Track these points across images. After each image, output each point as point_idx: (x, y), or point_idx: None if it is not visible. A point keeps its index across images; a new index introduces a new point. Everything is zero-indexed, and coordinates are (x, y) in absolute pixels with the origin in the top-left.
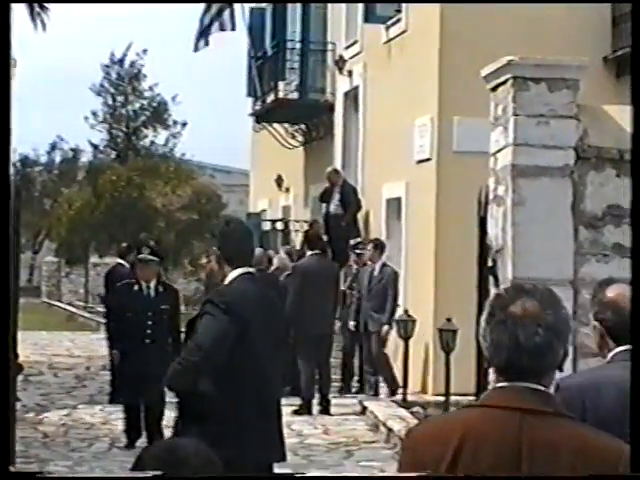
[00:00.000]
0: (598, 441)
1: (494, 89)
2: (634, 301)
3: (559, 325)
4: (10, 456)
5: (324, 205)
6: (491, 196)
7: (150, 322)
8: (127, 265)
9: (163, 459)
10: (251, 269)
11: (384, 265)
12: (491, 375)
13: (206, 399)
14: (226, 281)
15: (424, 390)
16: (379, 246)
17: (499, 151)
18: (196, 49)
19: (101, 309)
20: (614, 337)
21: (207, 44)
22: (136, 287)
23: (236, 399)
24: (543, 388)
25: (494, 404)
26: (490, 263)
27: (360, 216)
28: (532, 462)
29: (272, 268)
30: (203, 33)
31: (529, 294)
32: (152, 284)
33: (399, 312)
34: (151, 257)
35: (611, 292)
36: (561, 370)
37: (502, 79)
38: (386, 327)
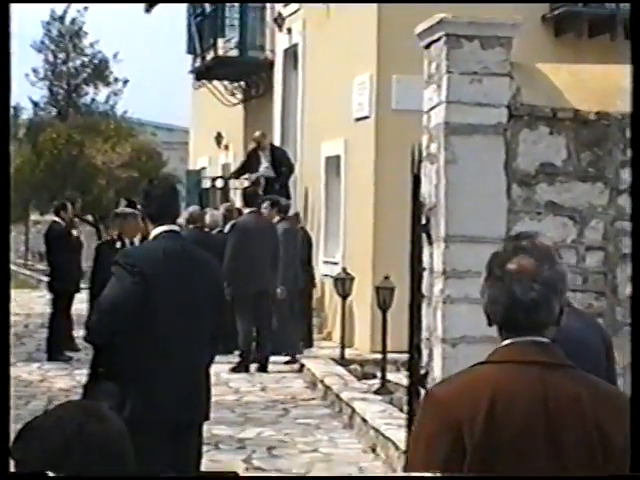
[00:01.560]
0: (608, 388)
1: (427, 47)
2: (634, 299)
3: (555, 280)
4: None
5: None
6: (424, 154)
7: None
8: (62, 223)
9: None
10: (174, 227)
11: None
12: (424, 333)
13: (117, 357)
14: (150, 238)
15: (361, 348)
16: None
17: (432, 109)
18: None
19: (42, 267)
20: None
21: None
22: (119, 244)
23: (146, 358)
24: (548, 341)
25: (514, 359)
26: (423, 220)
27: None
28: (559, 414)
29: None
30: None
31: (527, 251)
32: (136, 240)
33: (337, 270)
34: (130, 210)
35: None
36: (559, 325)
37: (435, 37)
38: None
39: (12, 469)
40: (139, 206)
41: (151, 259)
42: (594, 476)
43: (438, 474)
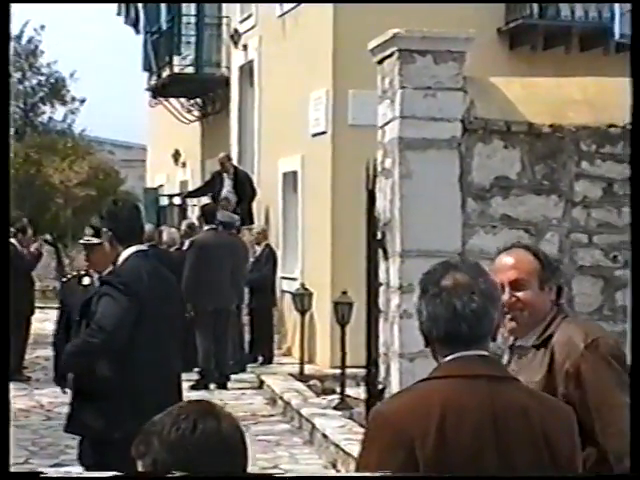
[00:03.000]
0: (552, 400)
1: (380, 62)
2: (633, 300)
3: (492, 291)
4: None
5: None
6: (379, 169)
7: None
8: (17, 245)
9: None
10: (143, 246)
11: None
12: (382, 348)
13: (103, 380)
14: (119, 260)
15: (321, 363)
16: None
17: (387, 124)
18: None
19: None
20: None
21: None
22: (86, 280)
23: (134, 379)
24: (490, 354)
25: (460, 374)
26: (379, 236)
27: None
28: (508, 427)
29: (162, 243)
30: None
31: (457, 268)
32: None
33: (296, 285)
34: (97, 240)
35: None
36: (494, 340)
37: (388, 52)
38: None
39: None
40: (104, 229)
41: (138, 279)
42: (583, 476)
43: None
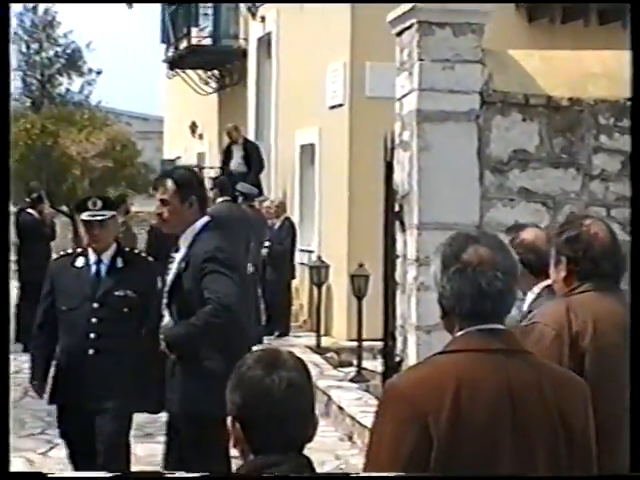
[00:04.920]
0: (565, 373)
1: (399, 34)
2: (633, 299)
3: (513, 268)
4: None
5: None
6: (397, 141)
7: (95, 319)
8: (35, 214)
9: (265, 360)
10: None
11: None
12: (399, 320)
13: (208, 359)
14: (192, 230)
15: (338, 336)
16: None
17: (405, 96)
18: (130, 5)
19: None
20: (535, 274)
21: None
22: (80, 261)
23: (236, 353)
24: (505, 327)
25: (477, 347)
26: (397, 208)
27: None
28: (522, 401)
29: None
30: None
31: (477, 240)
32: (107, 255)
33: (312, 258)
34: (102, 213)
35: (528, 234)
36: (508, 313)
37: (407, 24)
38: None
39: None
40: (193, 196)
41: (233, 252)
42: (592, 476)
43: (401, 474)
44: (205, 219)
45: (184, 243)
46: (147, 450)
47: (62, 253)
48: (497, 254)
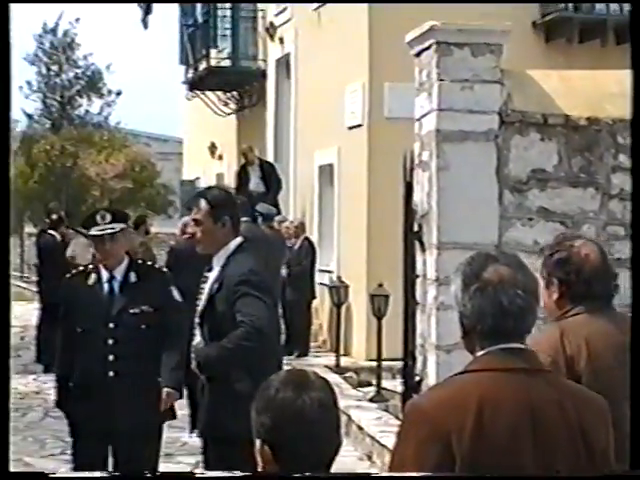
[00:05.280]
0: (586, 393)
1: (418, 55)
2: (634, 299)
3: (533, 286)
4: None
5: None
6: (416, 161)
7: (112, 340)
8: (56, 235)
9: (294, 381)
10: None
11: None
12: (418, 340)
13: (237, 381)
14: (226, 251)
15: (357, 356)
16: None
17: (424, 116)
18: (146, 26)
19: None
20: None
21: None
22: (92, 279)
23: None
24: (526, 347)
25: (498, 367)
26: (416, 228)
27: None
28: (544, 420)
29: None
30: (148, 10)
31: (497, 260)
32: (119, 270)
33: (331, 278)
34: (111, 226)
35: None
36: (529, 332)
37: (426, 44)
38: None
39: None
40: (225, 216)
41: (264, 273)
42: (593, 476)
43: None
44: (239, 240)
45: (217, 263)
46: (166, 469)
47: (74, 271)
48: (517, 273)
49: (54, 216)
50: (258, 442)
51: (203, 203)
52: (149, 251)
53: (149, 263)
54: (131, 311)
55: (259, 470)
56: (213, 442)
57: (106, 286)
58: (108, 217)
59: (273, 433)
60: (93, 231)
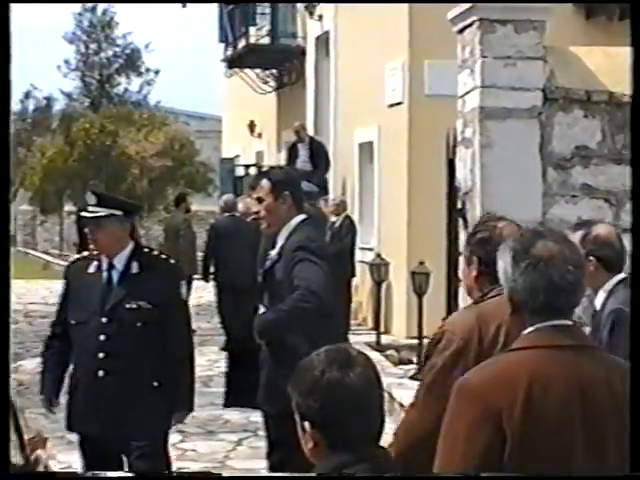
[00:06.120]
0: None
1: (461, 31)
2: (633, 299)
3: (581, 262)
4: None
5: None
6: (459, 138)
7: (104, 336)
8: None
9: (338, 360)
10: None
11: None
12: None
13: (294, 348)
14: (289, 226)
15: (397, 333)
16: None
17: (467, 94)
18: (184, 4)
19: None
20: (610, 269)
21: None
22: (92, 267)
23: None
24: (573, 323)
25: (547, 344)
26: (459, 205)
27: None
28: (593, 396)
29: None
30: None
31: (544, 235)
32: (120, 259)
33: (371, 256)
34: (95, 210)
35: (602, 230)
36: (576, 306)
37: (468, 21)
38: None
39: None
40: (285, 192)
41: (320, 242)
42: (591, 476)
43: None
44: (301, 217)
45: (280, 239)
46: (208, 448)
47: (78, 257)
48: (565, 248)
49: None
50: (307, 424)
51: (264, 181)
52: (190, 229)
53: (156, 252)
54: (127, 306)
55: (309, 450)
56: (276, 416)
57: (104, 275)
58: (93, 199)
59: (323, 414)
60: (83, 213)
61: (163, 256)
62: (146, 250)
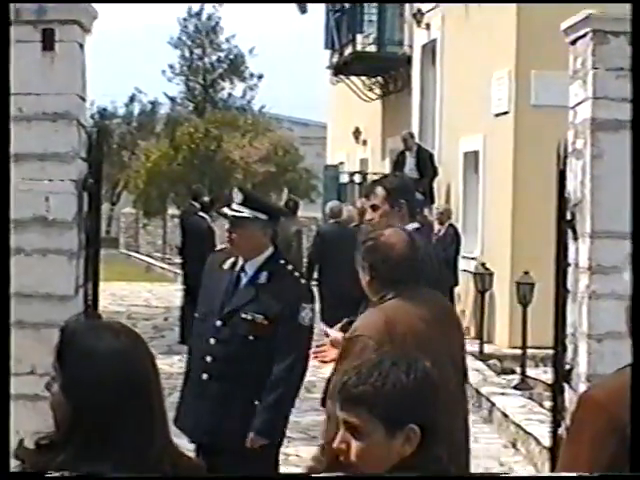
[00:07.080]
0: None
1: (573, 43)
2: (634, 298)
3: None
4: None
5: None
6: (570, 149)
7: (214, 340)
8: (208, 218)
9: (402, 360)
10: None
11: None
12: (569, 328)
13: None
14: None
15: (500, 343)
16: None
17: (578, 104)
18: (303, 11)
19: (178, 260)
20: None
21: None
22: (228, 263)
23: None
24: None
25: None
26: (569, 216)
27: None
28: None
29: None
30: None
31: None
32: (252, 265)
33: (474, 265)
34: (239, 210)
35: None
36: None
37: (581, 32)
38: None
39: None
40: (401, 200)
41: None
42: (590, 476)
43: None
44: (415, 225)
45: None
46: (311, 453)
47: (221, 247)
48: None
49: (205, 198)
50: (411, 428)
51: (380, 189)
52: (300, 240)
53: (290, 268)
54: (243, 315)
55: (405, 457)
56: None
57: (234, 276)
58: (239, 197)
59: (421, 413)
60: (225, 209)
61: (296, 274)
62: (282, 262)
